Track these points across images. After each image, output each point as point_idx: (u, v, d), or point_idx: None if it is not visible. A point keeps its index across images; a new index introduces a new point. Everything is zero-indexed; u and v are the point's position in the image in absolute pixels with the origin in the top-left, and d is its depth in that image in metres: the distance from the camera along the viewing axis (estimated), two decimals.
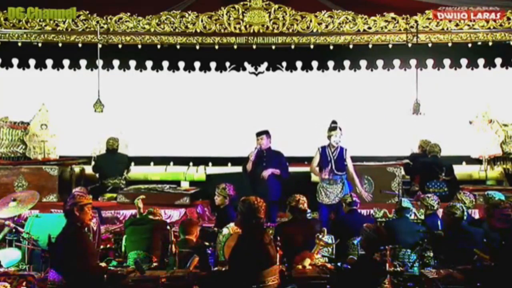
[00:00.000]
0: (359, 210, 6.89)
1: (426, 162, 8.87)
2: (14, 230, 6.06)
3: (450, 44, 9.69)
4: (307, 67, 10.00)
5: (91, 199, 4.91)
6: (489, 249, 4.78)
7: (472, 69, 9.93)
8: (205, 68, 10.07)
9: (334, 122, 7.57)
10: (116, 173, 9.20)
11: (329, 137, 7.47)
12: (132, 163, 9.80)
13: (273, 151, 7.73)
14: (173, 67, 10.07)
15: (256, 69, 10.13)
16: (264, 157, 7.61)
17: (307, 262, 5.20)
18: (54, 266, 4.53)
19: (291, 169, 9.36)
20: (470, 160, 10.11)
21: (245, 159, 7.80)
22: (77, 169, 9.63)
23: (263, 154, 7.61)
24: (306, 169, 8.94)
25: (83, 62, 9.92)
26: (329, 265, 5.21)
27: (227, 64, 10.02)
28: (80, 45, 9.72)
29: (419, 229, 5.98)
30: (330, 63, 9.98)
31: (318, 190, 7.48)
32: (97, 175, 9.42)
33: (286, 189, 6.78)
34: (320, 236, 5.45)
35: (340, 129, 7.44)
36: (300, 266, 5.17)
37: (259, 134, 7.67)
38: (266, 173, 7.49)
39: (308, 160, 8.56)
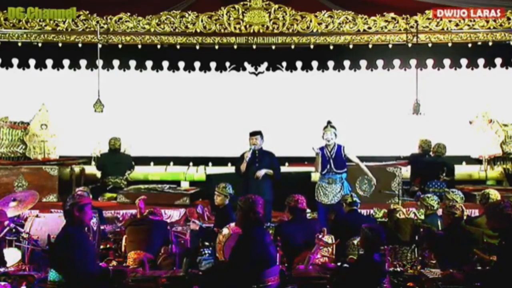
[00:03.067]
0: (359, 210, 6.88)
1: (427, 162, 8.86)
2: (14, 230, 6.05)
3: (450, 44, 9.71)
4: (307, 67, 10.02)
5: (91, 199, 4.90)
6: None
7: (472, 69, 9.94)
8: (205, 68, 10.08)
9: (328, 122, 7.57)
10: (117, 173, 9.24)
11: (322, 135, 7.44)
12: (132, 163, 9.80)
13: (265, 151, 7.69)
14: (173, 67, 10.09)
15: (256, 69, 10.13)
16: (257, 157, 7.58)
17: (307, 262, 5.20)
18: (54, 266, 4.52)
19: (291, 169, 9.44)
20: (470, 160, 10.10)
21: (238, 159, 7.78)
22: (77, 169, 9.63)
23: (255, 154, 7.59)
24: (306, 169, 8.95)
25: (83, 62, 9.95)
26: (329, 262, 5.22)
27: (227, 64, 10.04)
28: (80, 45, 9.75)
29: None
30: (330, 63, 10.00)
31: (317, 190, 7.42)
32: (99, 173, 9.45)
33: (287, 189, 6.74)
34: (320, 236, 5.45)
35: (334, 127, 7.41)
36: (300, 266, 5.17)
37: (253, 134, 7.63)
38: (260, 173, 7.46)
39: (308, 160, 8.55)
